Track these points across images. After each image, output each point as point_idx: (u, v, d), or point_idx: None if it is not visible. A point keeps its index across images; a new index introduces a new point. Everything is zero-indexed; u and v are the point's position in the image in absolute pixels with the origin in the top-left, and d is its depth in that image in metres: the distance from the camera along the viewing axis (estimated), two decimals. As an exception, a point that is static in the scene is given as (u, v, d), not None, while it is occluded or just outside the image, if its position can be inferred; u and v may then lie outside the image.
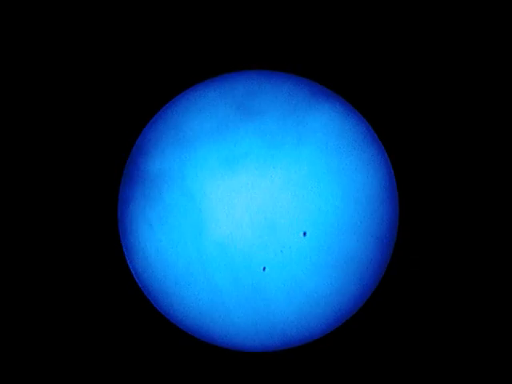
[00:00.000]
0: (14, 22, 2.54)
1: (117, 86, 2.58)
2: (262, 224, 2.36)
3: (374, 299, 2.56)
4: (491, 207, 2.58)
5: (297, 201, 2.38)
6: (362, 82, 2.61)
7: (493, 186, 2.58)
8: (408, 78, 2.61)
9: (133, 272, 2.53)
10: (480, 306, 2.58)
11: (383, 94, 2.61)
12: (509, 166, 2.57)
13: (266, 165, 2.38)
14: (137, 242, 2.49)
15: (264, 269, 2.40)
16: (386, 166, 2.53)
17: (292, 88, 2.50)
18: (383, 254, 2.51)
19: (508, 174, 2.57)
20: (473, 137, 2.60)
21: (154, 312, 2.53)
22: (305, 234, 2.40)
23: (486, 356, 2.57)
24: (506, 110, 2.59)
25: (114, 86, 2.57)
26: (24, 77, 2.56)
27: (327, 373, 2.58)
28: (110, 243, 2.55)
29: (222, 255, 2.39)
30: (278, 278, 2.39)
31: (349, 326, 2.56)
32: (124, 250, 2.53)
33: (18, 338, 2.53)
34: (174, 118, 2.54)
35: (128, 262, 2.53)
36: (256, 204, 2.37)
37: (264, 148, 2.40)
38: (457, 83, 2.61)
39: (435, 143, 2.60)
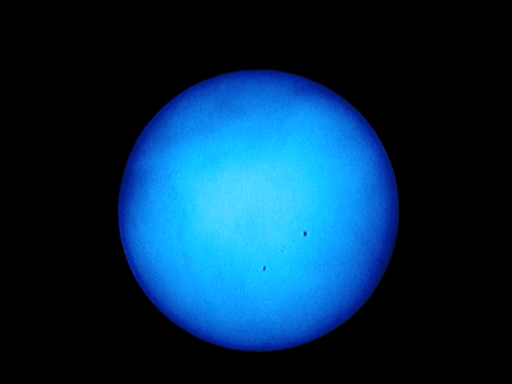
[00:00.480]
0: (14, 22, 2.55)
1: (114, 86, 2.58)
2: (246, 221, 2.38)
3: (374, 300, 2.57)
4: (491, 204, 2.58)
5: (280, 198, 2.39)
6: (360, 79, 2.61)
7: (493, 184, 2.59)
8: (406, 74, 2.61)
9: (130, 267, 2.55)
10: (480, 307, 2.58)
11: (382, 92, 2.61)
12: (509, 164, 2.58)
13: (249, 162, 2.40)
14: (126, 240, 2.52)
15: (264, 268, 2.40)
16: (381, 160, 2.52)
17: (275, 85, 2.52)
18: (366, 254, 2.51)
19: (508, 172, 2.58)
20: (471, 133, 2.60)
21: (152, 309, 2.54)
22: (305, 233, 2.40)
23: (486, 356, 2.58)
24: (505, 106, 2.59)
25: (110, 86, 2.58)
26: (24, 77, 2.56)
27: (327, 373, 2.58)
28: (110, 240, 2.56)
29: (206, 253, 2.40)
30: (260, 276, 2.40)
31: (349, 326, 2.57)
32: (123, 246, 2.56)
33: (18, 338, 2.53)
34: (157, 117, 2.55)
35: (126, 258, 2.55)
36: (239, 201, 2.39)
37: (247, 146, 2.42)
38: (455, 79, 2.61)
39: (435, 142, 2.60)
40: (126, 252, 2.54)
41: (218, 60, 2.61)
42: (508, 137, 2.59)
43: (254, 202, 2.40)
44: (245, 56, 2.61)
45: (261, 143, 2.42)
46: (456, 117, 2.61)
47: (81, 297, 2.56)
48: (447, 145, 2.60)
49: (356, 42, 2.61)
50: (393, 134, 2.60)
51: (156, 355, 2.56)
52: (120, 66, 2.58)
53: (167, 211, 2.44)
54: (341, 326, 2.55)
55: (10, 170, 2.54)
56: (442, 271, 2.58)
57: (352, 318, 2.56)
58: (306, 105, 2.48)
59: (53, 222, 2.55)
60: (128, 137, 2.57)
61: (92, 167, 2.57)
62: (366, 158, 2.48)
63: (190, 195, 2.42)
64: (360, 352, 2.57)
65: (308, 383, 2.57)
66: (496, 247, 2.58)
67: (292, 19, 2.61)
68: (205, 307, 2.45)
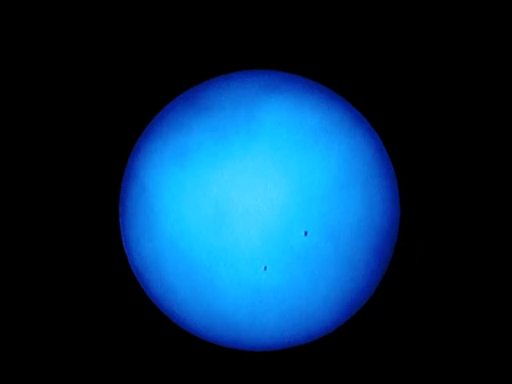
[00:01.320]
0: (14, 23, 2.54)
1: (112, 86, 2.58)
2: (213, 217, 2.38)
3: (374, 300, 2.57)
4: (491, 204, 2.59)
5: (249, 193, 2.41)
6: (360, 79, 2.61)
7: (493, 185, 2.59)
8: (406, 72, 2.62)
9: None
10: (480, 307, 2.58)
11: (381, 91, 2.61)
12: (509, 164, 2.58)
13: (217, 159, 2.41)
14: (123, 236, 2.55)
15: (265, 268, 2.40)
16: (355, 155, 2.51)
17: (243, 82, 2.53)
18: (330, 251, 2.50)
19: (508, 172, 2.58)
20: (472, 134, 2.60)
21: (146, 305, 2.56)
22: (306, 233, 2.40)
23: (486, 356, 2.58)
24: (505, 105, 2.60)
25: (110, 86, 2.58)
26: (24, 78, 2.56)
27: (327, 373, 2.58)
28: (110, 237, 2.58)
29: (174, 249, 2.41)
30: (227, 274, 2.41)
31: (349, 326, 2.57)
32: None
33: (17, 337, 2.53)
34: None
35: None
36: (207, 198, 2.39)
37: (215, 142, 2.42)
38: (455, 77, 2.61)
39: (435, 139, 2.60)
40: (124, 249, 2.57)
41: (217, 60, 2.61)
42: (508, 132, 2.60)
43: (222, 198, 2.40)
44: (244, 56, 2.61)
45: (229, 139, 2.43)
46: (456, 117, 2.61)
47: (81, 295, 2.56)
48: (447, 142, 2.60)
49: (355, 40, 2.61)
50: (393, 133, 2.60)
51: (153, 352, 2.56)
52: (115, 68, 2.58)
53: (139, 208, 2.47)
54: (341, 326, 2.55)
55: (10, 168, 2.53)
56: (442, 271, 2.59)
57: (352, 318, 2.56)
58: (276, 101, 2.49)
59: (53, 221, 2.55)
60: (129, 137, 2.58)
61: (92, 166, 2.57)
62: (335, 153, 2.47)
63: (158, 192, 2.43)
64: (360, 352, 2.57)
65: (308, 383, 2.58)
66: (496, 248, 2.58)
67: (290, 19, 2.61)
68: (174, 304, 2.47)
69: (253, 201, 2.39)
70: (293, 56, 2.61)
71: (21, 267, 2.56)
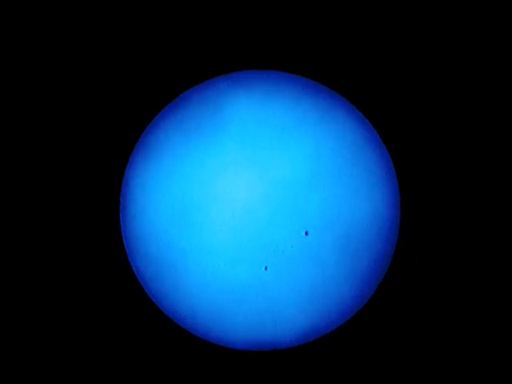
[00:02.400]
0: (14, 23, 2.54)
1: (111, 86, 2.58)
2: (179, 213, 2.43)
3: (374, 301, 2.57)
4: (491, 205, 2.59)
5: (214, 188, 2.42)
6: (360, 79, 2.62)
7: (494, 182, 2.59)
8: (406, 72, 2.62)
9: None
10: (480, 307, 2.58)
11: (382, 90, 2.61)
12: (509, 164, 2.58)
13: (184, 153, 2.45)
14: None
15: (266, 268, 2.40)
16: (324, 154, 2.52)
17: (210, 80, 2.56)
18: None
19: (509, 172, 2.58)
20: (472, 134, 2.61)
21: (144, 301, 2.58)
22: (307, 233, 2.40)
23: (487, 356, 2.58)
24: (506, 104, 2.60)
25: (108, 86, 2.58)
26: (24, 78, 2.56)
27: (326, 373, 2.58)
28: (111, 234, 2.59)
29: (143, 245, 2.46)
30: (197, 271, 2.42)
31: (348, 326, 2.57)
32: None
33: (17, 337, 2.52)
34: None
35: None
36: (173, 192, 2.42)
37: (182, 135, 2.46)
38: (455, 76, 2.61)
39: (435, 141, 2.61)
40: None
41: (217, 60, 2.62)
42: (508, 132, 2.60)
43: (188, 193, 2.43)
44: (244, 56, 2.61)
45: (195, 134, 2.45)
46: (456, 114, 2.61)
47: (80, 294, 2.55)
48: (447, 142, 2.61)
49: (355, 40, 2.61)
50: (393, 134, 2.60)
51: (153, 352, 2.56)
52: (115, 68, 2.58)
53: (120, 204, 2.52)
54: (341, 326, 2.55)
55: (10, 167, 2.53)
56: (442, 271, 2.59)
57: (352, 318, 2.56)
58: (240, 97, 2.51)
59: (53, 220, 2.55)
60: (128, 137, 2.58)
61: (93, 166, 2.57)
62: (301, 150, 2.49)
63: (128, 188, 2.47)
64: (360, 352, 2.57)
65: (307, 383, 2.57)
66: (496, 248, 2.58)
67: (290, 19, 2.61)
68: (145, 299, 2.51)
69: (217, 196, 2.42)
70: (293, 56, 2.61)
71: (21, 266, 2.56)
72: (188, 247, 2.43)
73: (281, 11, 2.60)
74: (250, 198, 2.43)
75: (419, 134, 2.59)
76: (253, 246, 2.43)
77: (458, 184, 2.58)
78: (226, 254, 2.43)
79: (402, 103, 2.59)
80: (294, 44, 2.60)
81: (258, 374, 2.56)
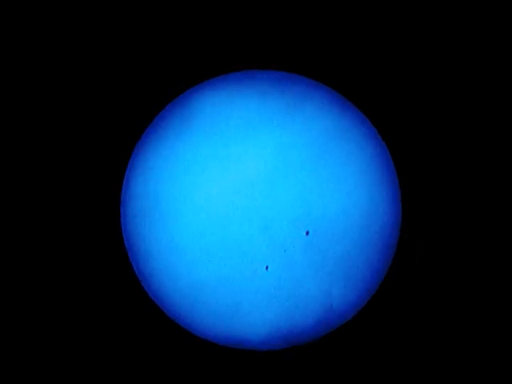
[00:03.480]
0: (14, 23, 2.54)
1: (111, 86, 2.59)
2: (150, 206, 2.48)
3: (374, 300, 2.57)
4: (491, 205, 2.58)
5: (183, 183, 2.44)
6: (361, 79, 2.61)
7: (494, 182, 2.59)
8: (406, 72, 2.62)
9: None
10: (480, 307, 2.58)
11: (382, 89, 2.61)
12: (509, 164, 2.58)
13: (154, 149, 2.49)
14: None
15: (267, 268, 2.40)
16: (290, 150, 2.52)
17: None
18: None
19: (509, 172, 2.58)
20: (472, 135, 2.60)
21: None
22: (307, 233, 2.40)
23: (486, 356, 2.58)
24: (506, 104, 2.59)
25: (108, 86, 2.58)
26: (24, 78, 2.56)
27: (326, 373, 2.58)
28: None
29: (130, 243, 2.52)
30: (166, 268, 2.47)
31: (348, 326, 2.57)
32: None
33: (17, 336, 2.52)
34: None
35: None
36: (144, 185, 2.48)
37: (156, 134, 2.53)
38: (455, 75, 2.61)
39: (435, 141, 2.60)
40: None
41: (216, 60, 2.62)
42: (509, 131, 2.60)
43: (157, 187, 2.49)
44: (244, 56, 2.61)
45: (165, 130, 2.49)
46: (457, 115, 2.61)
47: (80, 293, 2.55)
48: (448, 142, 2.60)
49: (355, 40, 2.61)
50: (393, 134, 2.60)
51: (153, 352, 2.56)
52: (115, 68, 2.58)
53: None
54: (341, 326, 2.55)
55: (11, 167, 2.53)
56: (442, 271, 2.59)
57: (351, 318, 2.56)
58: (206, 93, 2.53)
59: (53, 219, 2.55)
60: (128, 138, 2.58)
61: (93, 165, 2.57)
62: (269, 144, 2.50)
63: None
64: (360, 352, 2.57)
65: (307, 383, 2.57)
66: (496, 248, 2.58)
67: (290, 19, 2.61)
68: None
69: (184, 189, 2.44)
70: (293, 56, 2.61)
71: (22, 266, 2.56)
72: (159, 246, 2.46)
73: (281, 11, 2.60)
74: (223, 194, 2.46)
75: (419, 132, 2.59)
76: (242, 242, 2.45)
77: (458, 184, 2.58)
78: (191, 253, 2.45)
79: (401, 102, 2.59)
80: (293, 44, 2.60)
81: (258, 374, 2.56)
